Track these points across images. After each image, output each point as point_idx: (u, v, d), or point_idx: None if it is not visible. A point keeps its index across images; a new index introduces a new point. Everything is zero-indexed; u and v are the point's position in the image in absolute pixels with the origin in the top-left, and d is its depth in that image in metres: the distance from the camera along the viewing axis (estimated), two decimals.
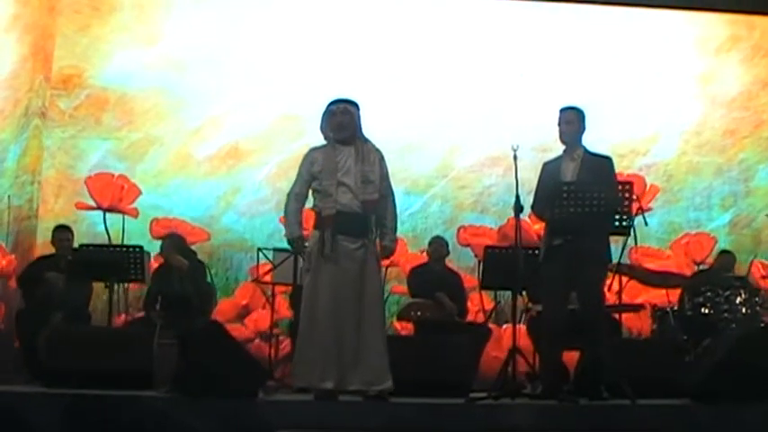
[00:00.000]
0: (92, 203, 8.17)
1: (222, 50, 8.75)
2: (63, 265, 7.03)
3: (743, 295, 6.78)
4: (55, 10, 8.72)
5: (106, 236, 7.98)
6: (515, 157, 5.62)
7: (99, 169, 8.39)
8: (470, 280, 7.73)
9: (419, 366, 6.06)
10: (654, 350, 6.60)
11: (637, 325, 7.97)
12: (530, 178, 5.87)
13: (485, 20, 8.99)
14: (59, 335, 6.43)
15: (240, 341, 6.25)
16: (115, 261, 6.85)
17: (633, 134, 8.93)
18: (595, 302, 5.62)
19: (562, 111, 5.77)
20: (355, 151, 5.30)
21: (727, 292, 6.79)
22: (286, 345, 7.49)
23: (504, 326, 7.76)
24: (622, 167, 8.20)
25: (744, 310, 6.74)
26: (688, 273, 7.98)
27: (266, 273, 7.15)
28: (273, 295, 7.39)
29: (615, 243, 5.99)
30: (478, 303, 7.57)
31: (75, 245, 7.19)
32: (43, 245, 7.99)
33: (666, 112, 9.05)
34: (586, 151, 5.75)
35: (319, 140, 5.47)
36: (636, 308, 7.36)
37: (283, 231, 8.16)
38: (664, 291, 7.44)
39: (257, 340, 8.04)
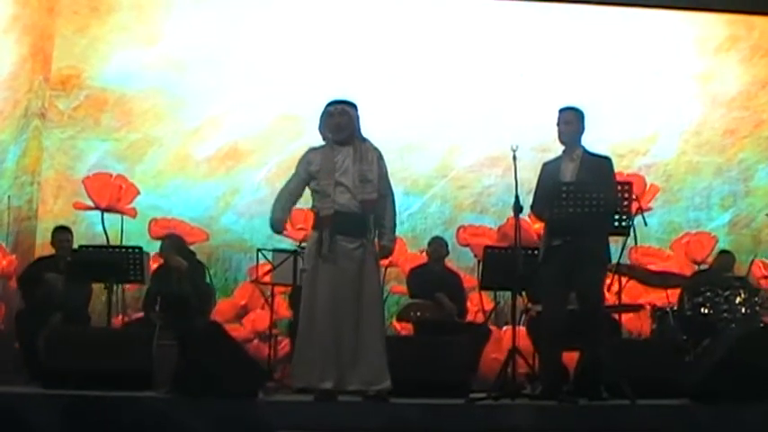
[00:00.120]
0: (90, 203, 8.16)
1: (221, 51, 8.74)
2: (62, 266, 7.03)
3: (742, 295, 6.79)
4: (54, 11, 8.71)
5: (105, 236, 7.97)
6: (515, 158, 5.62)
7: (98, 170, 8.37)
8: (470, 280, 7.73)
9: (419, 367, 6.06)
10: (653, 350, 6.60)
11: (636, 325, 7.97)
12: (529, 178, 5.87)
13: (485, 20, 8.99)
14: (59, 335, 6.43)
15: (239, 342, 6.25)
16: (114, 262, 6.85)
17: (633, 134, 8.93)
18: (595, 303, 5.61)
19: (561, 111, 5.77)
20: (353, 151, 5.30)
21: (727, 293, 6.80)
22: (285, 345, 7.49)
23: (505, 327, 7.76)
24: (622, 167, 8.21)
25: (743, 310, 6.75)
26: (688, 273, 7.97)
27: (266, 273, 7.15)
28: (273, 295, 7.38)
29: (615, 243, 5.99)
30: (478, 303, 7.56)
31: (75, 246, 7.18)
32: (42, 246, 7.99)
33: (666, 112, 9.05)
34: (586, 151, 5.74)
35: (319, 141, 5.46)
36: (635, 308, 7.36)
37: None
38: (663, 291, 7.42)
39: (255, 341, 8.04)
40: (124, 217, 8.11)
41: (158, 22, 8.79)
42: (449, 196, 8.82)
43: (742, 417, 4.98)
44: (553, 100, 6.50)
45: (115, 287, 6.96)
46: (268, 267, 7.10)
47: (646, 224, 6.56)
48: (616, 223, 5.90)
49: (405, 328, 7.66)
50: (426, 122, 8.74)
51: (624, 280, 7.00)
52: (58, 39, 8.68)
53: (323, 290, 5.20)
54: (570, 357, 6.10)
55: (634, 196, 5.96)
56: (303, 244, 6.15)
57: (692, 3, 9.14)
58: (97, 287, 7.20)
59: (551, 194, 5.56)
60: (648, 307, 7.43)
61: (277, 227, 5.46)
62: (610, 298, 6.51)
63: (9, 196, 8.17)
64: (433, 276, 7.31)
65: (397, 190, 5.64)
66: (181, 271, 7.02)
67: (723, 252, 7.90)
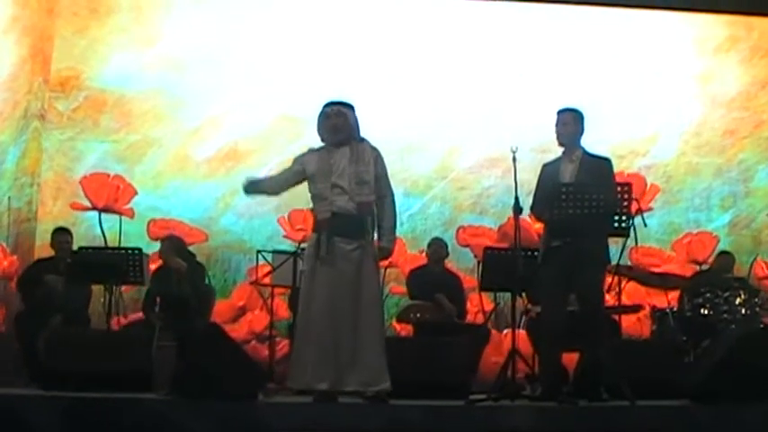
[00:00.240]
0: (87, 204, 8.14)
1: (220, 51, 8.74)
2: (62, 268, 7.03)
3: (742, 296, 6.79)
4: (53, 12, 8.71)
5: (103, 237, 7.95)
6: (514, 159, 5.61)
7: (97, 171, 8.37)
8: (470, 280, 7.73)
9: (419, 368, 6.07)
10: (653, 351, 6.60)
11: (636, 326, 7.96)
12: (529, 179, 5.87)
13: (484, 20, 8.99)
14: (59, 337, 6.44)
15: (239, 343, 6.25)
16: (114, 263, 6.83)
17: (633, 135, 8.93)
18: (594, 304, 5.61)
19: (559, 113, 5.77)
20: (350, 152, 5.30)
21: (727, 293, 6.80)
22: (284, 346, 7.48)
23: (505, 331, 7.75)
24: (622, 168, 8.22)
25: (743, 310, 6.75)
26: (688, 273, 7.97)
27: (266, 275, 7.15)
28: (272, 297, 7.38)
29: (615, 244, 5.99)
30: (478, 304, 7.56)
31: (75, 247, 7.18)
32: (42, 247, 7.99)
33: (666, 113, 9.05)
34: (585, 153, 5.74)
35: (318, 142, 5.46)
36: (635, 309, 7.35)
37: (282, 233, 8.30)
38: (663, 292, 7.42)
39: (253, 342, 8.03)
40: (124, 219, 8.08)
41: (157, 23, 8.79)
42: (449, 197, 8.82)
43: (742, 417, 4.97)
44: (553, 100, 6.50)
45: (112, 289, 6.95)
46: (268, 269, 7.10)
47: (645, 225, 6.55)
48: (616, 224, 5.90)
49: (404, 330, 7.65)
50: (426, 123, 8.74)
51: (624, 281, 6.98)
52: (58, 40, 8.67)
53: (320, 291, 5.20)
54: (570, 358, 6.09)
55: (634, 197, 5.97)
56: (303, 245, 6.14)
57: (692, 3, 9.15)
58: (95, 289, 7.20)
59: (551, 196, 5.56)
60: (648, 308, 7.43)
61: (248, 187, 5.53)
62: (609, 299, 6.51)
63: (9, 197, 8.17)
64: (432, 278, 7.31)
65: (398, 191, 5.64)
66: (181, 272, 7.02)
67: (723, 253, 7.90)
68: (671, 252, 8.62)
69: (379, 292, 5.51)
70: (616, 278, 6.73)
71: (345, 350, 5.13)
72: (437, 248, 7.46)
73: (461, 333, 6.95)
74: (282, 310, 7.67)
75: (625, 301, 7.05)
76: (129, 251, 6.97)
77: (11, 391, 6.00)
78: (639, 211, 6.46)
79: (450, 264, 7.70)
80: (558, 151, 5.81)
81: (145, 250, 7.16)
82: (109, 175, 8.26)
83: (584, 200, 5.46)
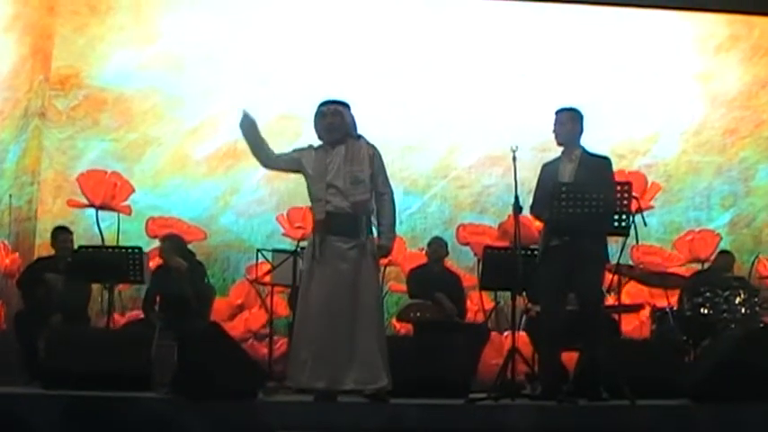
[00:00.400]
0: (84, 201, 8.12)
1: (220, 50, 8.73)
2: (62, 267, 7.02)
3: (742, 295, 6.78)
4: (54, 10, 8.70)
5: (99, 234, 7.92)
6: (514, 158, 5.62)
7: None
8: (470, 279, 7.73)
9: (418, 367, 6.05)
10: (653, 351, 6.60)
11: (636, 325, 7.96)
12: (529, 178, 5.87)
13: (485, 20, 8.97)
14: (59, 336, 6.43)
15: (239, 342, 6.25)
16: (114, 262, 6.82)
17: (633, 134, 8.92)
18: (594, 303, 5.61)
19: (557, 113, 5.78)
20: (345, 151, 5.31)
21: (727, 293, 6.79)
22: (282, 345, 7.48)
23: (505, 333, 7.73)
24: (622, 167, 8.21)
25: (743, 310, 6.74)
26: (687, 273, 7.96)
27: (265, 274, 7.14)
28: (272, 295, 7.37)
29: (615, 243, 5.98)
30: (478, 303, 7.56)
31: (75, 246, 7.17)
32: (41, 246, 7.98)
33: (666, 112, 9.03)
34: (585, 152, 5.74)
35: (318, 141, 5.46)
36: (635, 308, 7.35)
37: (281, 231, 8.30)
38: (663, 291, 7.41)
39: (251, 340, 8.03)
40: (122, 217, 8.07)
41: (157, 22, 8.78)
42: (449, 196, 8.81)
43: (742, 417, 4.98)
44: (554, 100, 6.49)
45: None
46: (267, 267, 7.09)
47: (645, 224, 6.54)
48: (616, 223, 5.89)
49: (404, 328, 7.65)
50: (426, 122, 8.73)
51: (624, 280, 6.98)
52: (57, 38, 8.66)
53: (318, 290, 5.21)
54: (570, 358, 6.10)
55: (634, 195, 5.96)
56: (303, 244, 6.14)
57: (693, 3, 9.14)
58: (94, 288, 7.19)
59: (550, 195, 5.56)
60: (648, 307, 7.42)
61: (245, 123, 5.38)
62: (609, 298, 6.50)
63: (10, 195, 8.16)
64: (432, 277, 7.31)
65: (397, 190, 5.64)
66: (180, 271, 7.00)
67: (723, 252, 7.90)
68: (672, 251, 8.62)
69: (377, 291, 5.51)
70: (616, 277, 6.73)
71: (343, 349, 5.13)
72: (437, 247, 7.46)
73: (461, 332, 6.95)
74: (281, 307, 7.65)
75: (625, 300, 7.04)
76: (130, 250, 6.95)
77: (11, 390, 6.00)
78: (640, 210, 6.45)
79: (450, 262, 7.69)
80: (558, 150, 5.82)
81: (144, 249, 7.15)
82: (106, 172, 8.23)
83: (583, 199, 5.46)
